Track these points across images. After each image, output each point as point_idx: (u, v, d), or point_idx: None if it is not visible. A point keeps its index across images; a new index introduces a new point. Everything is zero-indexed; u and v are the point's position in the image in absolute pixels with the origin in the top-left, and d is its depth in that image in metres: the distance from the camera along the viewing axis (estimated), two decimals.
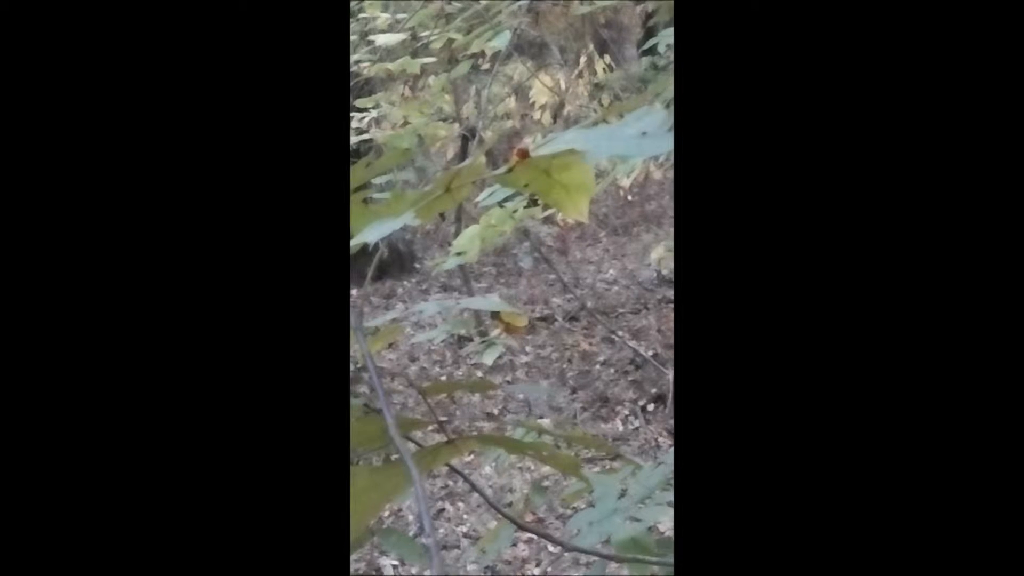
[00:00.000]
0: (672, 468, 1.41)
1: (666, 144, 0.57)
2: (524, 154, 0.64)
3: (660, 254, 5.08)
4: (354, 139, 3.53)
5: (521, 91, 6.01)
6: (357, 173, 0.72)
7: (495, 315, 1.12)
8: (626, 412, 4.45)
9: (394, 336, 1.09)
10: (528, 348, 5.22)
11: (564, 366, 5.00)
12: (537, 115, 5.90)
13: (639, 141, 0.58)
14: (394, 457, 0.76)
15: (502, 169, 0.67)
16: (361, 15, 3.31)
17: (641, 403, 4.48)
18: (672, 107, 0.59)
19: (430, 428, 0.86)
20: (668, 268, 5.67)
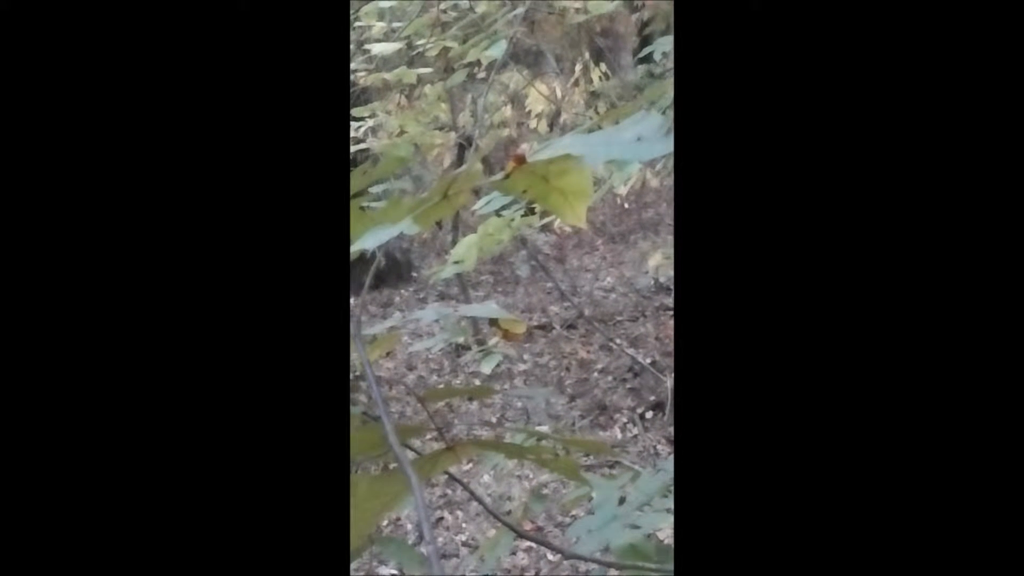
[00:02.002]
0: (670, 475, 1.41)
1: (662, 148, 0.57)
2: (521, 160, 0.64)
3: (657, 262, 5.09)
4: (351, 148, 3.53)
5: (517, 100, 6.01)
6: (354, 180, 0.72)
7: (493, 323, 1.12)
8: (624, 420, 4.45)
9: (392, 344, 1.09)
10: (526, 356, 5.22)
11: (562, 374, 4.99)
12: (533, 123, 5.90)
13: (635, 145, 0.58)
14: (393, 466, 0.76)
15: (499, 175, 0.67)
16: (357, 24, 3.32)
17: (639, 411, 4.47)
18: (667, 113, 0.59)
19: (429, 437, 0.86)
20: (665, 276, 5.67)
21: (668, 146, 0.57)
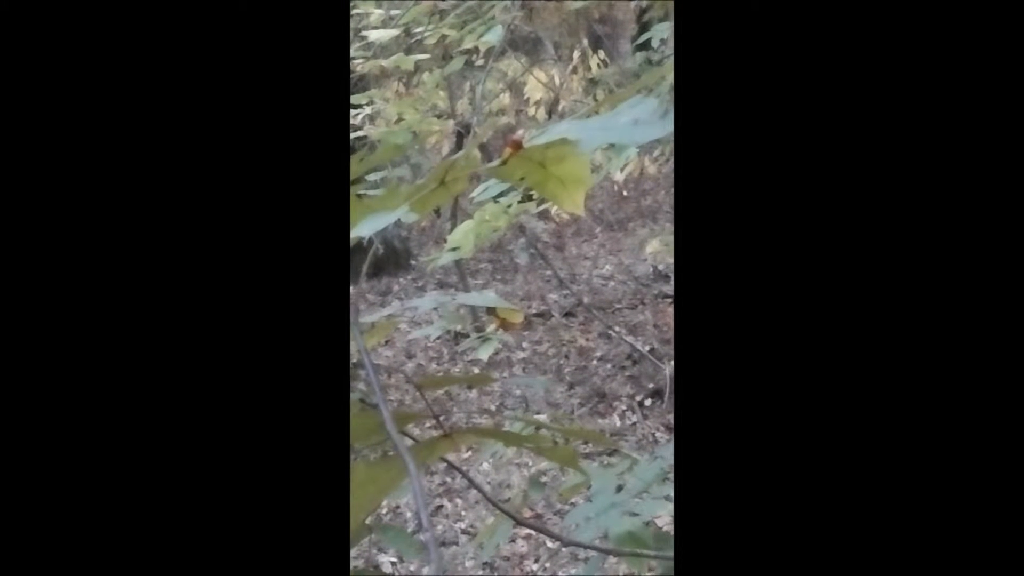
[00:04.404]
0: (668, 462, 1.41)
1: (658, 131, 0.57)
2: (517, 145, 0.64)
3: (655, 249, 5.09)
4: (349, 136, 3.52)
5: (515, 87, 6.01)
6: (351, 168, 0.71)
7: (491, 311, 1.12)
8: (623, 407, 4.45)
9: (389, 331, 1.09)
10: (525, 344, 5.22)
11: (561, 362, 5.00)
12: (532, 111, 5.90)
13: (632, 129, 0.58)
14: (391, 453, 0.76)
15: (497, 162, 0.67)
16: (355, 11, 3.31)
17: (638, 398, 4.48)
18: (663, 97, 0.58)
19: (428, 425, 0.86)
20: (664, 263, 5.67)
21: (664, 129, 0.57)
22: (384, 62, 3.22)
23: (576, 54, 5.87)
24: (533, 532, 3.37)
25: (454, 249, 2.18)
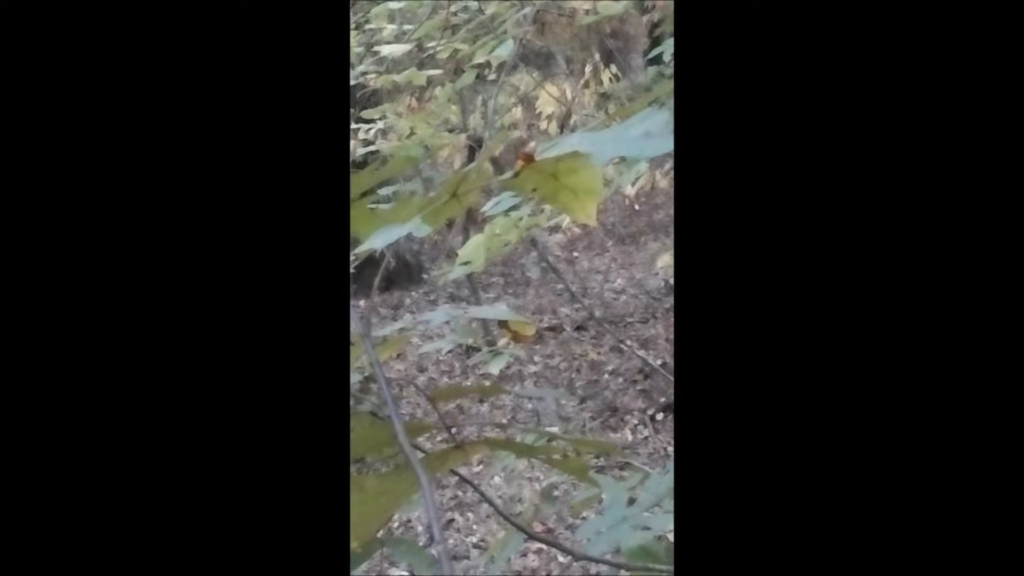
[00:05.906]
0: None
1: (669, 144, 0.57)
2: (529, 158, 0.64)
3: (667, 263, 5.08)
4: (360, 150, 3.53)
5: (527, 101, 6.01)
6: (364, 179, 0.72)
7: (503, 324, 1.12)
8: (635, 421, 4.44)
9: (401, 345, 1.09)
10: (536, 358, 5.22)
11: (573, 376, 4.99)
12: (544, 125, 5.90)
13: (643, 141, 0.58)
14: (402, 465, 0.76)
15: (509, 174, 0.67)
16: (367, 27, 3.32)
17: (650, 412, 4.47)
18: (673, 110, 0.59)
19: (440, 439, 0.86)
20: None
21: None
22: (396, 77, 3.23)
23: (588, 68, 5.88)
24: (544, 546, 3.36)
25: (465, 263, 2.17)
